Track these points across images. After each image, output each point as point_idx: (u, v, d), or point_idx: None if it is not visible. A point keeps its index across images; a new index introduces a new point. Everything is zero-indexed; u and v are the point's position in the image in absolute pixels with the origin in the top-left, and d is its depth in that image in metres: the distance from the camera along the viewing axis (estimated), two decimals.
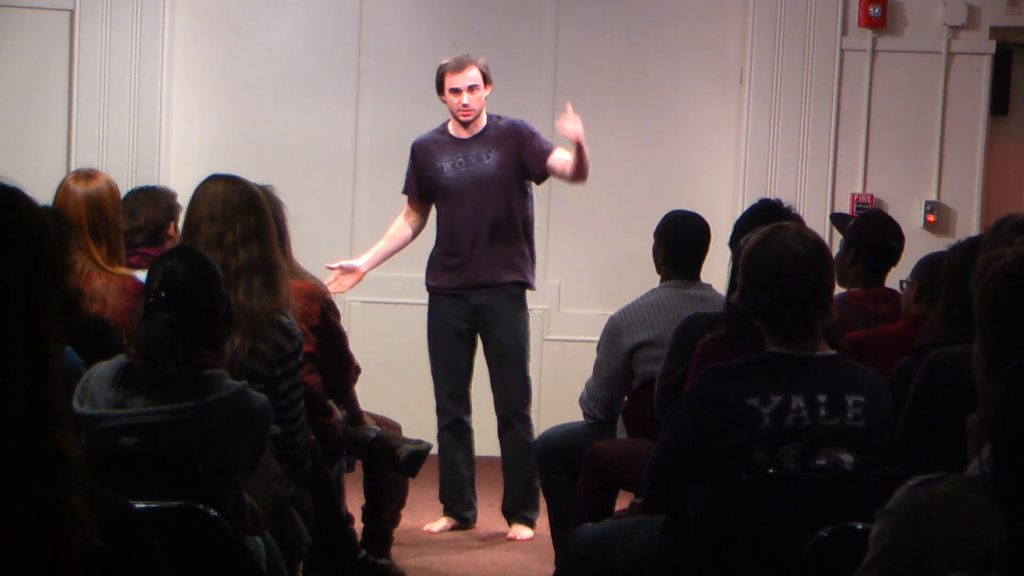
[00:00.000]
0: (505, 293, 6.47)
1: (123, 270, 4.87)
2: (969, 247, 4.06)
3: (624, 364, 5.48)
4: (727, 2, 8.21)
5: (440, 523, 6.66)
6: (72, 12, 7.94)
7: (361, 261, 6.69)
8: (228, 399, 3.64)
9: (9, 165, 7.81)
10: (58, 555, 1.76)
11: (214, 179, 4.43)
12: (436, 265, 6.58)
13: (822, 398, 3.52)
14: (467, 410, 6.62)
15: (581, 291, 8.15)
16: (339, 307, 5.44)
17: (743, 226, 4.88)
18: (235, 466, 3.68)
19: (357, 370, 5.39)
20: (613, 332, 5.53)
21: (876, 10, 8.03)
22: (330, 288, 6.64)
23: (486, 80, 6.44)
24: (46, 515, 1.75)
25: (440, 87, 6.46)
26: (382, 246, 6.71)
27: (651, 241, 5.73)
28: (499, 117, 6.52)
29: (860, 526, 3.26)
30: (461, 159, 6.45)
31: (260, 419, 3.74)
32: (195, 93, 8.20)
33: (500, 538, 6.60)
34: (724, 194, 8.07)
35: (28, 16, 7.97)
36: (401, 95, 8.25)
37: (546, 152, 6.45)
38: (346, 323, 5.41)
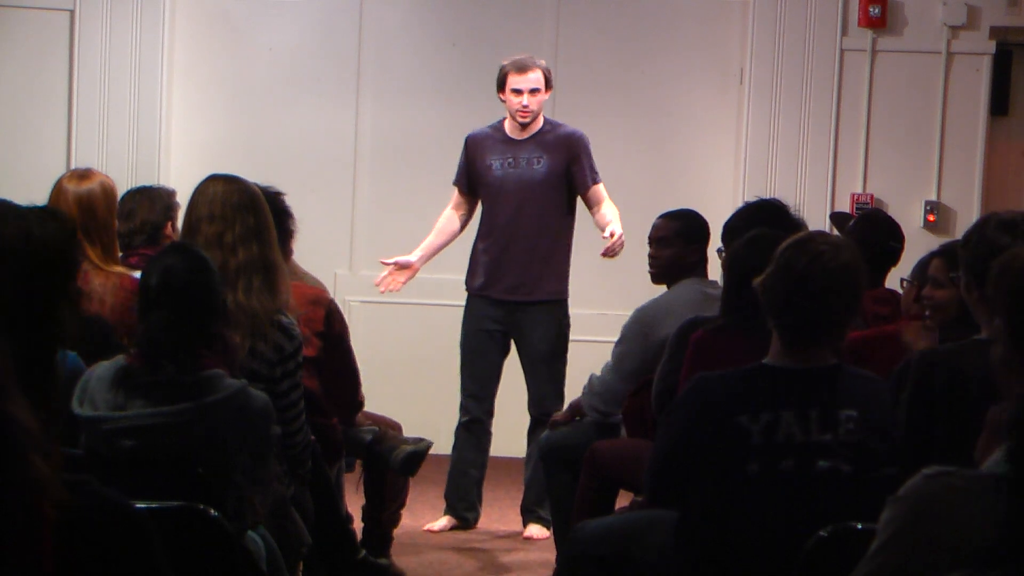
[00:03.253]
0: (542, 305, 6.49)
1: (120, 268, 4.87)
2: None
3: (656, 357, 5.42)
4: (727, 2, 8.21)
5: (441, 522, 6.66)
6: (72, 12, 7.94)
7: (414, 257, 6.67)
8: (227, 399, 3.64)
9: (9, 165, 7.82)
10: (30, 520, 1.78)
11: (213, 179, 4.43)
12: (475, 264, 6.58)
13: (814, 413, 3.51)
14: (488, 412, 6.62)
15: (582, 291, 8.13)
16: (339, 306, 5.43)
17: (735, 229, 4.86)
18: (236, 466, 3.67)
19: (361, 403, 5.38)
20: (645, 324, 5.47)
21: (876, 10, 8.03)
22: (384, 286, 6.66)
23: (547, 84, 6.46)
24: (8, 475, 1.77)
25: (501, 86, 6.47)
26: (432, 240, 6.70)
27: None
28: (558, 124, 6.55)
29: (860, 526, 3.26)
30: (511, 159, 6.46)
31: (260, 419, 3.74)
32: (195, 93, 8.21)
33: (501, 538, 6.60)
34: (724, 194, 8.07)
35: (28, 16, 7.97)
36: (401, 95, 8.25)
37: (590, 182, 6.46)
38: (346, 323, 5.40)
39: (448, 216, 6.71)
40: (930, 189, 8.13)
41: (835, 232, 6.80)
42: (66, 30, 7.96)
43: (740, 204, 7.20)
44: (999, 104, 8.22)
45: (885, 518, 2.27)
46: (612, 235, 6.38)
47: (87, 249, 4.80)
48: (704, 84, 8.25)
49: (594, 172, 6.50)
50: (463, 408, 6.63)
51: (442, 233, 6.70)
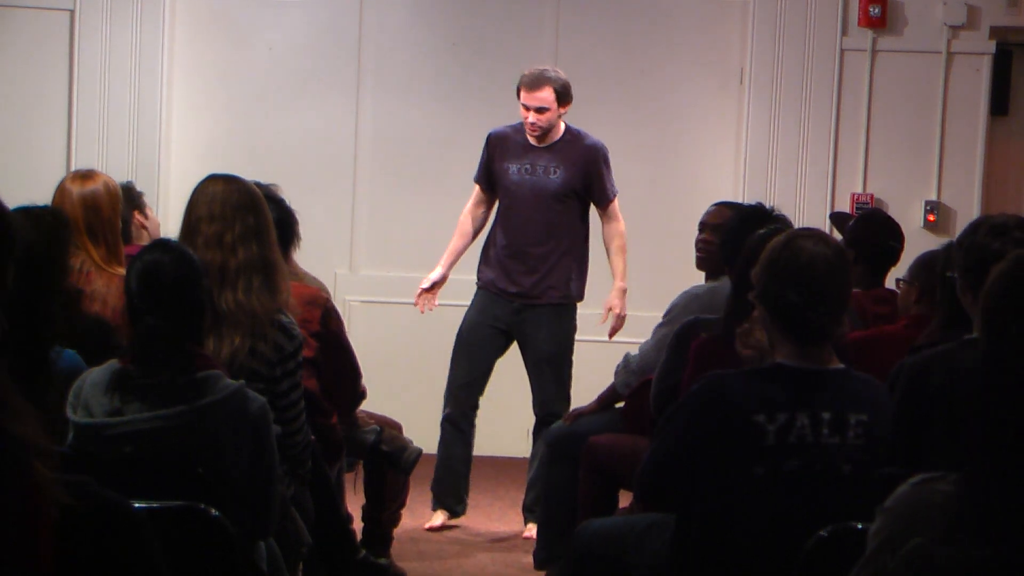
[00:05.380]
0: (549, 307, 6.51)
1: (122, 270, 4.88)
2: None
3: None
4: (727, 2, 8.21)
5: (438, 519, 6.63)
6: (72, 12, 7.94)
7: (441, 271, 6.68)
8: (223, 401, 3.62)
9: (9, 165, 7.82)
10: (31, 524, 1.78)
11: (212, 179, 4.42)
12: (488, 260, 6.59)
13: (826, 415, 3.50)
14: (473, 406, 6.60)
15: (588, 291, 8.14)
16: (339, 307, 5.43)
17: (735, 235, 4.86)
18: (236, 469, 3.65)
19: (363, 394, 5.37)
20: (696, 308, 5.36)
21: (876, 10, 8.03)
22: (421, 306, 6.67)
23: (561, 100, 6.41)
24: (7, 491, 1.78)
25: (518, 95, 6.48)
26: (456, 245, 6.72)
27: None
28: (580, 134, 6.53)
29: (860, 526, 3.26)
30: (528, 166, 6.47)
31: (259, 421, 3.71)
32: (195, 93, 8.20)
33: (501, 538, 6.60)
34: (724, 194, 8.06)
35: (28, 16, 7.97)
36: (401, 95, 8.25)
37: (606, 199, 6.51)
38: (346, 323, 5.40)
39: (469, 216, 6.72)
40: (930, 189, 8.13)
41: (835, 232, 6.80)
42: (66, 30, 7.96)
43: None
44: (999, 104, 8.22)
45: (874, 528, 2.28)
46: (611, 315, 6.58)
47: (91, 249, 4.80)
48: (704, 84, 8.25)
49: (612, 187, 6.52)
50: (450, 399, 6.58)
51: (465, 235, 6.73)
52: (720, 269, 5.53)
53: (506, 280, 6.52)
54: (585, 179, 6.46)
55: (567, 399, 6.54)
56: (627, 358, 5.65)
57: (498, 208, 6.62)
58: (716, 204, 5.75)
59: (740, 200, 7.81)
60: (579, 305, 6.72)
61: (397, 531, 5.95)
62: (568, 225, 6.50)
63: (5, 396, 1.86)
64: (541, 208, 6.45)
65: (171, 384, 3.60)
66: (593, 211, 6.59)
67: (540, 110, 6.39)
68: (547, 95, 6.39)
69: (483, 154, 6.62)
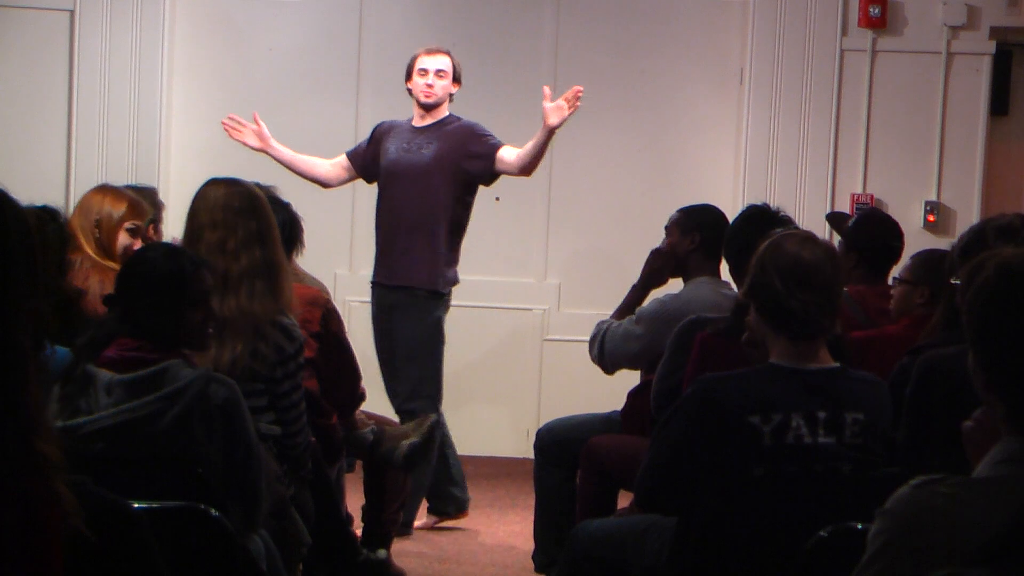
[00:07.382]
0: (414, 297, 6.34)
1: (114, 264, 4.93)
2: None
3: (660, 355, 5.34)
4: (727, 2, 8.21)
5: (423, 520, 6.61)
6: (72, 12, 7.94)
7: (274, 144, 6.64)
8: (184, 389, 3.60)
9: (9, 165, 7.82)
10: (46, 543, 1.79)
11: (214, 183, 4.41)
12: (376, 255, 6.54)
13: (822, 415, 3.51)
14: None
15: (581, 291, 8.15)
16: (339, 307, 5.42)
17: (737, 234, 4.87)
18: (212, 459, 3.63)
19: (362, 396, 5.35)
20: (666, 318, 5.28)
21: (876, 10, 8.03)
22: (231, 125, 6.61)
23: (455, 76, 6.43)
24: (30, 507, 1.78)
25: (409, 72, 6.46)
26: (295, 157, 6.67)
27: (650, 240, 5.72)
28: (459, 118, 6.47)
29: (860, 526, 3.26)
30: (405, 145, 6.43)
31: (228, 407, 3.67)
32: (195, 93, 8.20)
33: (500, 538, 6.60)
34: (724, 194, 8.07)
35: (28, 16, 7.97)
36: (401, 95, 8.19)
37: (493, 149, 6.34)
38: (346, 323, 5.40)
39: (323, 162, 6.68)
40: (930, 189, 8.13)
41: (834, 234, 6.81)
42: (66, 30, 7.96)
43: (739, 204, 7.22)
44: (999, 104, 8.22)
45: (874, 531, 2.27)
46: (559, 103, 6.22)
47: (85, 246, 4.90)
48: (704, 84, 8.25)
49: (494, 141, 6.36)
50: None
51: (306, 162, 6.68)
52: (680, 268, 5.54)
53: (382, 270, 6.41)
54: (461, 150, 6.33)
55: (432, 397, 6.33)
56: (600, 328, 5.58)
57: (377, 197, 6.53)
58: (679, 211, 5.70)
59: (740, 200, 7.83)
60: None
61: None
62: (441, 204, 6.33)
63: (38, 416, 1.86)
64: (413, 183, 6.33)
65: (136, 379, 3.61)
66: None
67: (440, 72, 6.38)
68: (446, 61, 6.42)
69: (367, 139, 6.60)
